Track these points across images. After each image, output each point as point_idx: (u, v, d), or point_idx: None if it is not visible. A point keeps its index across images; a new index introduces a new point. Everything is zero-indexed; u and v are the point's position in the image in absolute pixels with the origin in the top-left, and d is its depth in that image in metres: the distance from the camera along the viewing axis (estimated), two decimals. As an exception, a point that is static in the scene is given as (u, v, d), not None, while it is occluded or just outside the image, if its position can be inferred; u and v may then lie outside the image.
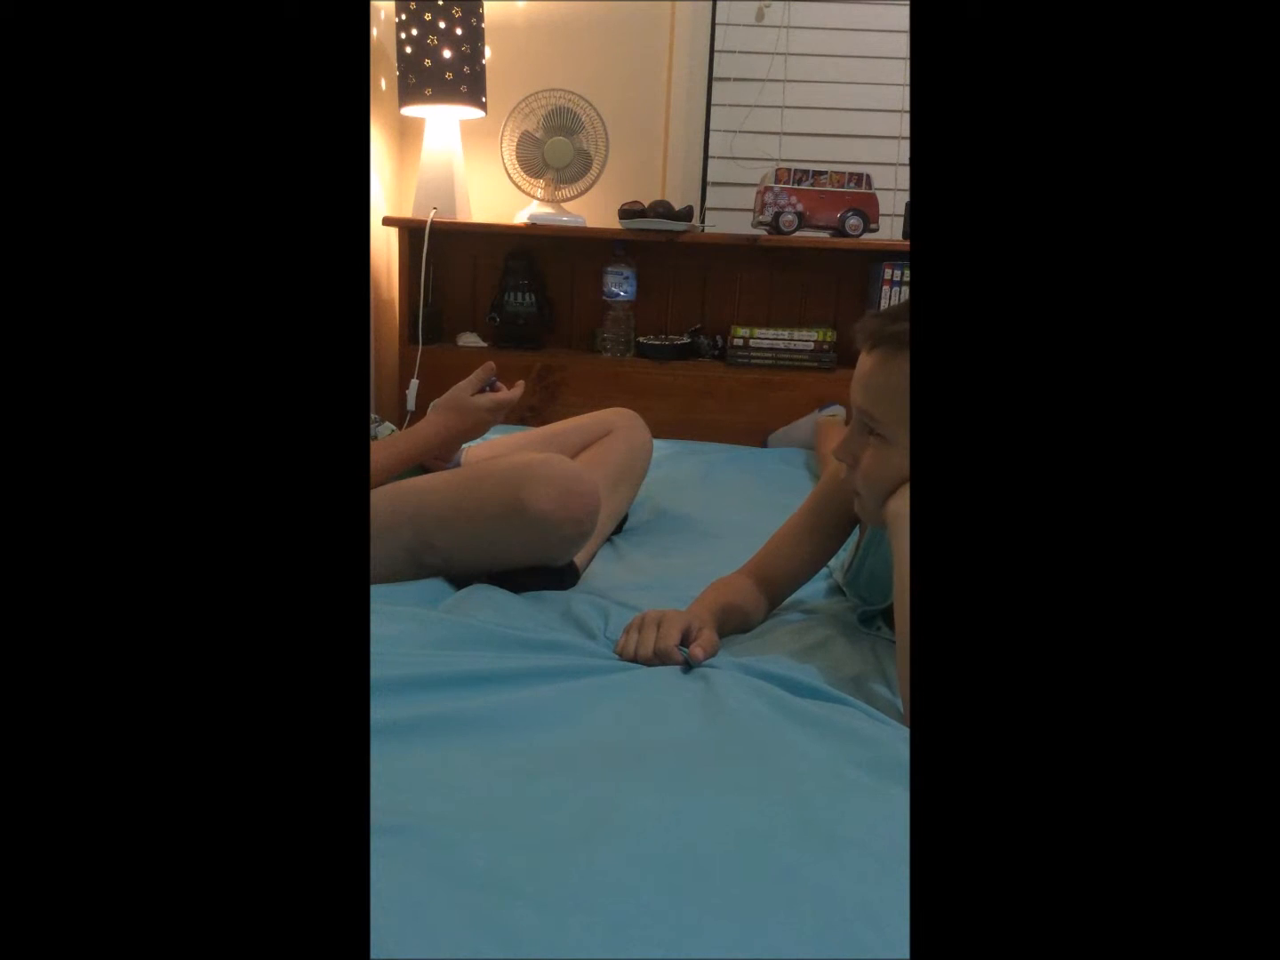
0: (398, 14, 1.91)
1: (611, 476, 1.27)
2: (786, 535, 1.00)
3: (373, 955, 0.37)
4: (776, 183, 1.96)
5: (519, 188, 2.08)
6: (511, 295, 2.08)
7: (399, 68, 1.93)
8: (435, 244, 2.02)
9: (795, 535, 0.99)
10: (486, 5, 2.02)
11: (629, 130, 2.20)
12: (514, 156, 2.04)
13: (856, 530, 1.00)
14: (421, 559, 1.01)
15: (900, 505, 0.79)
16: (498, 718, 0.63)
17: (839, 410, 1.97)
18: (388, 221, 2.03)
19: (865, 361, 0.81)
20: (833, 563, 1.05)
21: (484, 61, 1.97)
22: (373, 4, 2.08)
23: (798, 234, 1.99)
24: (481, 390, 1.13)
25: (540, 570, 1.02)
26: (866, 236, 1.98)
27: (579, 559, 1.09)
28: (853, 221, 1.96)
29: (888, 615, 0.92)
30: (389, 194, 2.23)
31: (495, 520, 0.97)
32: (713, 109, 2.25)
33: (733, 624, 0.91)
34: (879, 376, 0.79)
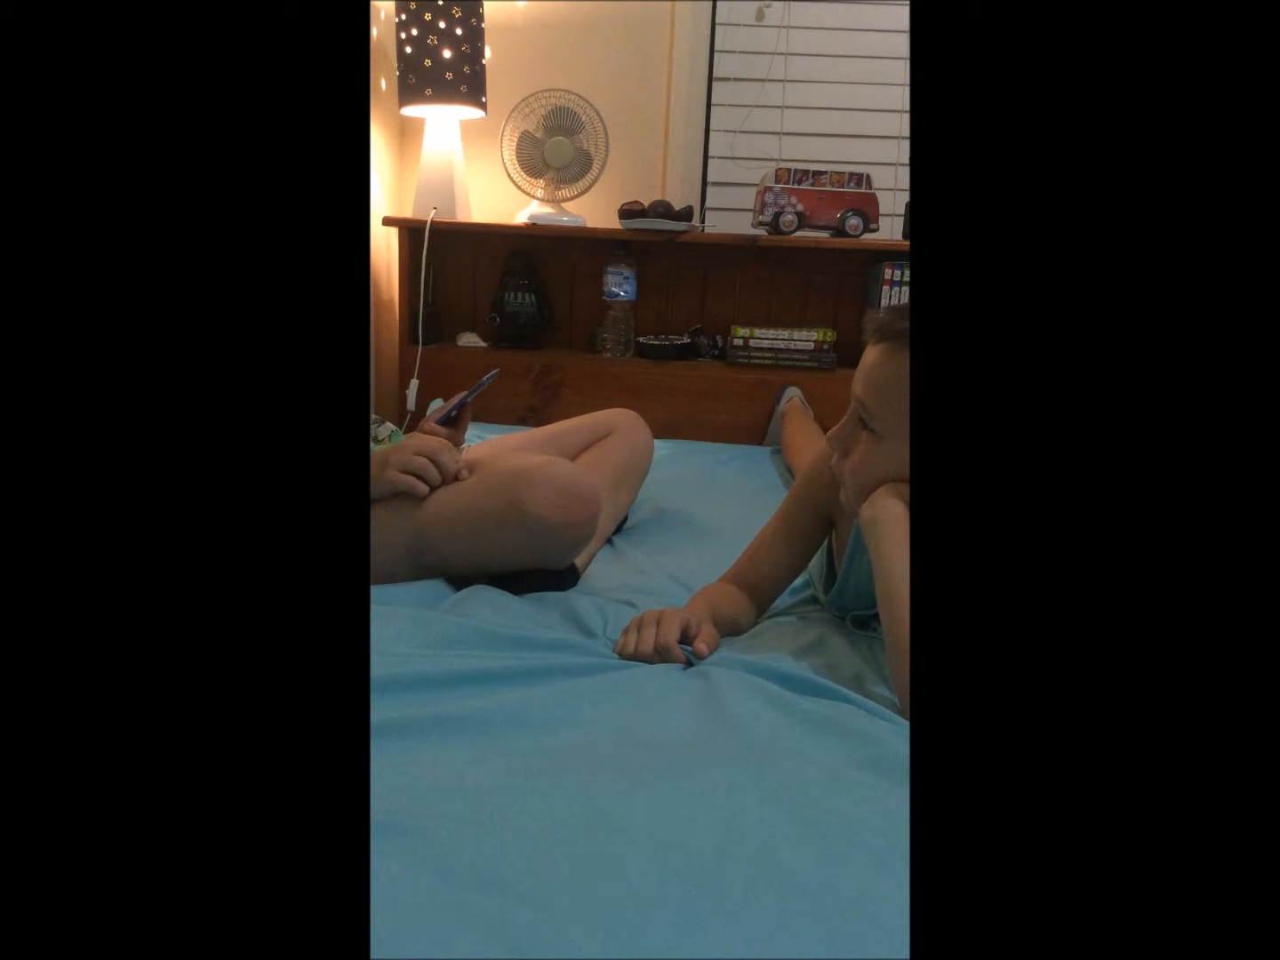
0: (398, 14, 1.91)
1: (613, 478, 1.27)
2: (766, 540, 1.00)
3: (373, 955, 0.37)
4: (776, 183, 1.96)
5: (519, 188, 2.08)
6: (511, 295, 2.08)
7: (399, 68, 1.93)
8: (435, 244, 2.02)
9: (774, 539, 0.99)
10: (486, 5, 2.02)
11: (629, 130, 2.21)
12: (514, 156, 2.04)
13: (829, 545, 1.00)
14: (421, 561, 1.01)
15: (874, 512, 0.79)
16: (498, 718, 0.63)
17: (796, 392, 1.97)
18: (388, 221, 2.03)
19: (870, 354, 0.81)
20: (812, 567, 1.05)
21: (484, 61, 1.97)
22: (373, 4, 2.08)
23: (798, 234, 1.99)
24: (447, 417, 1.13)
25: (540, 572, 1.02)
26: (866, 236, 1.98)
27: (579, 560, 1.09)
28: (853, 221, 1.96)
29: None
30: (389, 194, 2.23)
31: (495, 524, 0.97)
32: (713, 109, 2.25)
33: (723, 629, 0.91)
34: (879, 371, 0.79)
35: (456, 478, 1.01)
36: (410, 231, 2.00)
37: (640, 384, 2.04)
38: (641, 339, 2.09)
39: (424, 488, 0.99)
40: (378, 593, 0.92)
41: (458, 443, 1.15)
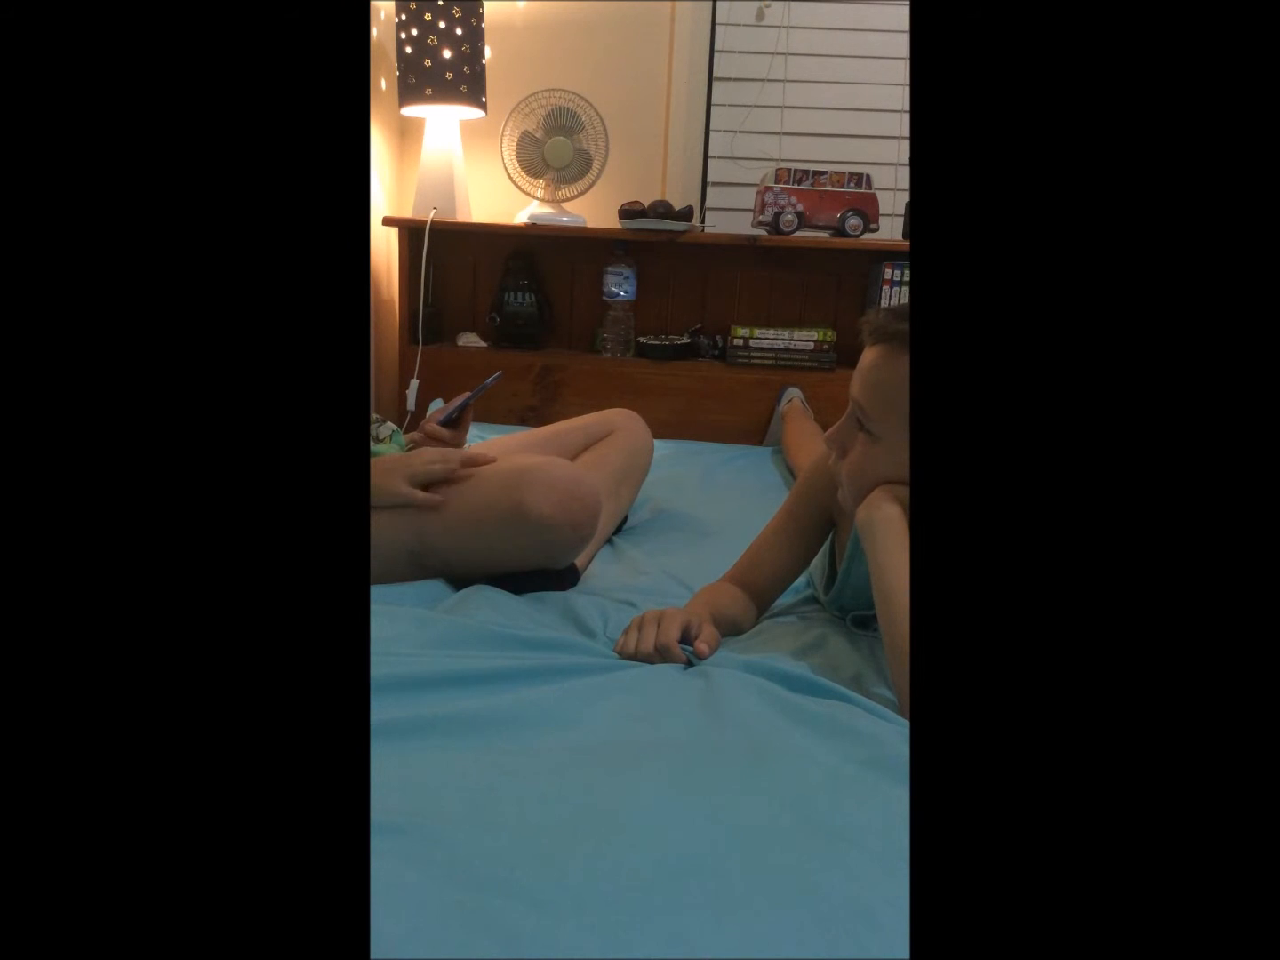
0: (398, 14, 1.91)
1: (613, 478, 1.27)
2: (767, 540, 1.00)
3: (373, 955, 0.37)
4: (776, 183, 1.96)
5: (519, 188, 2.08)
6: (511, 295, 2.08)
7: (399, 68, 1.93)
8: (435, 244, 2.02)
9: (776, 539, 0.99)
10: (486, 5, 2.02)
11: (629, 130, 2.21)
12: (514, 156, 2.04)
13: (830, 545, 1.00)
14: (422, 561, 1.01)
15: (869, 514, 0.79)
16: (498, 718, 0.63)
17: (797, 393, 1.97)
18: (388, 221, 2.03)
19: (867, 355, 0.81)
20: (813, 567, 1.05)
21: (484, 61, 1.97)
22: (373, 4, 2.08)
23: (798, 234, 1.99)
24: (449, 418, 1.13)
25: (540, 572, 1.02)
26: (866, 236, 1.98)
27: (579, 560, 1.09)
28: (853, 221, 1.96)
29: None
30: (389, 194, 2.23)
31: (495, 524, 0.97)
32: (713, 109, 2.25)
33: (723, 629, 0.91)
34: (876, 373, 0.79)
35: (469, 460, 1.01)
36: (410, 231, 2.00)
37: (640, 384, 2.04)
38: (641, 339, 2.10)
39: (437, 499, 0.99)
40: (378, 593, 0.92)
41: (459, 444, 1.15)
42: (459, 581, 1.01)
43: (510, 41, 2.20)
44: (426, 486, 1.01)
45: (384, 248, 2.19)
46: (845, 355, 2.03)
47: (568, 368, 2.06)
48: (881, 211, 2.00)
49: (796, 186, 1.96)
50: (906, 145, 2.19)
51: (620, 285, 2.05)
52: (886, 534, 0.77)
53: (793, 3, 2.19)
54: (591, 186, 2.08)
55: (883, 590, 0.76)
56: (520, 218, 2.06)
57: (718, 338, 2.14)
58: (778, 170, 1.96)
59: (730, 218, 2.26)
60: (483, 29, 1.96)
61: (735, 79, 2.23)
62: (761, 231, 2.03)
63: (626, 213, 1.98)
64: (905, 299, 1.96)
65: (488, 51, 2.04)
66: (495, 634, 0.79)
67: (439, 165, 2.03)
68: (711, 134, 2.27)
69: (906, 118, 2.20)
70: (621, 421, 1.37)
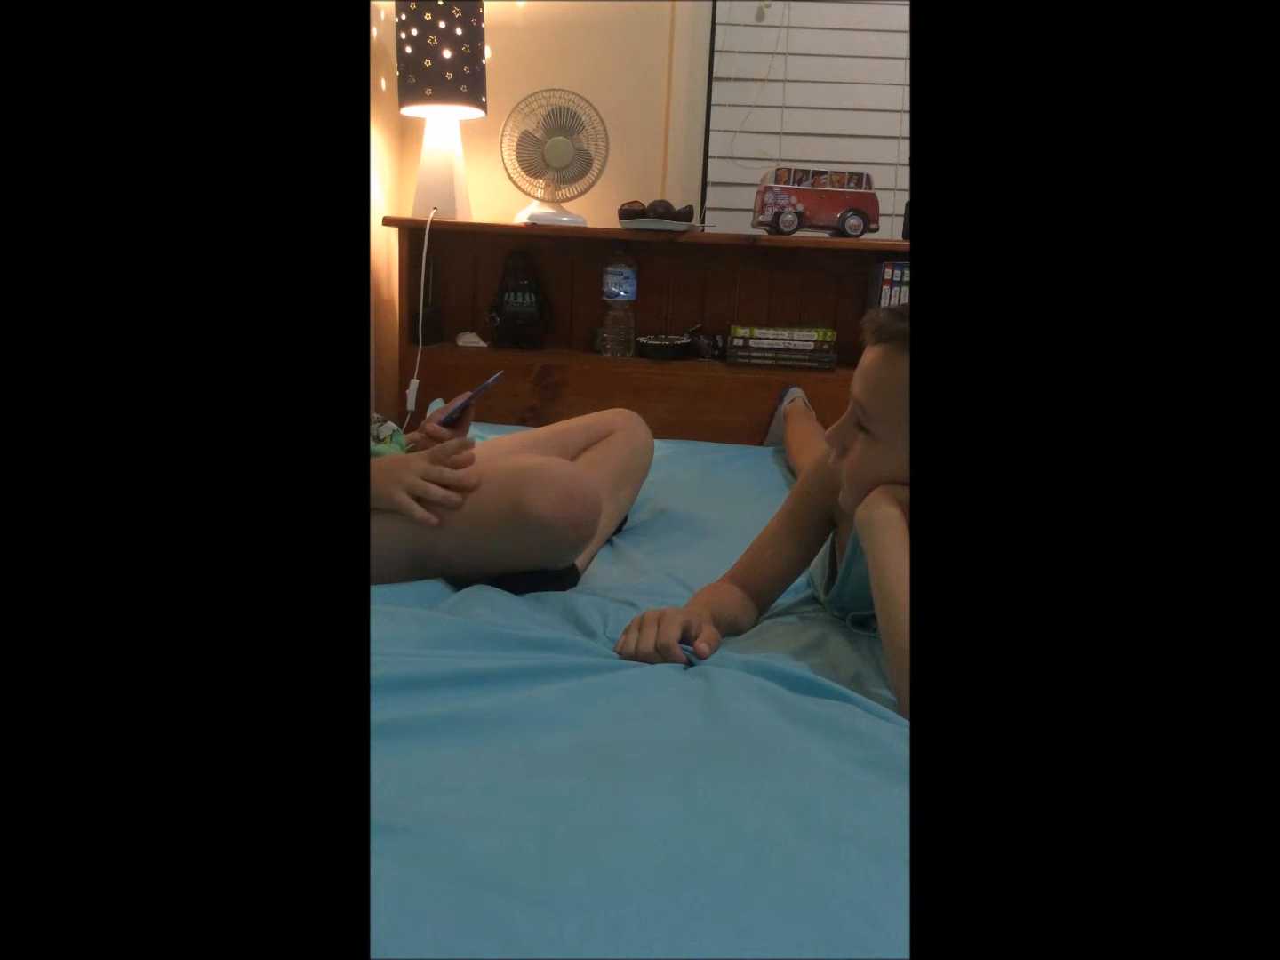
0: (398, 14, 1.91)
1: (613, 478, 1.28)
2: (767, 539, 1.00)
3: (373, 955, 0.37)
4: (776, 183, 1.96)
5: (519, 188, 2.08)
6: (511, 295, 2.08)
7: (399, 68, 1.93)
8: (435, 244, 2.02)
9: (776, 539, 0.99)
10: (486, 5, 2.02)
11: (629, 130, 2.21)
12: (514, 156, 2.04)
13: (830, 545, 1.00)
14: (422, 562, 1.01)
15: (868, 514, 0.79)
16: (498, 718, 0.63)
17: (799, 393, 1.97)
18: (388, 221, 2.03)
19: (868, 355, 0.81)
20: (813, 566, 1.05)
21: (484, 61, 1.97)
22: (373, 4, 2.08)
23: (798, 234, 1.99)
24: (450, 418, 1.13)
25: (541, 572, 1.02)
26: (866, 236, 1.98)
27: (579, 560, 1.09)
28: (853, 221, 1.96)
29: None
30: (389, 194, 2.23)
31: (496, 524, 0.97)
32: (713, 109, 2.25)
33: (723, 629, 0.91)
34: (877, 372, 0.79)
35: (462, 486, 1.01)
36: (410, 231, 2.00)
37: (640, 384, 2.04)
38: (641, 339, 2.09)
39: (433, 520, 0.98)
40: (378, 593, 0.92)
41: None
42: (459, 582, 1.01)
43: (510, 41, 2.20)
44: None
45: (384, 248, 2.19)
46: (845, 355, 2.03)
47: (568, 368, 2.06)
48: (881, 211, 2.00)
49: (796, 186, 1.96)
50: (906, 145, 2.19)
51: (620, 285, 2.05)
52: (886, 534, 0.77)
53: (793, 2, 2.19)
54: (591, 186, 2.08)
55: (882, 590, 0.76)
56: (520, 218, 2.06)
57: (718, 338, 2.14)
58: (778, 170, 1.96)
59: (730, 218, 2.26)
60: (483, 29, 1.96)
61: (735, 79, 2.23)
62: (761, 231, 2.03)
63: (626, 213, 1.98)
64: (905, 299, 1.96)
65: (488, 51, 2.04)
66: (495, 634, 0.79)
67: (439, 165, 2.03)
68: (711, 134, 2.27)
69: (906, 118, 2.20)
70: (621, 422, 1.37)
